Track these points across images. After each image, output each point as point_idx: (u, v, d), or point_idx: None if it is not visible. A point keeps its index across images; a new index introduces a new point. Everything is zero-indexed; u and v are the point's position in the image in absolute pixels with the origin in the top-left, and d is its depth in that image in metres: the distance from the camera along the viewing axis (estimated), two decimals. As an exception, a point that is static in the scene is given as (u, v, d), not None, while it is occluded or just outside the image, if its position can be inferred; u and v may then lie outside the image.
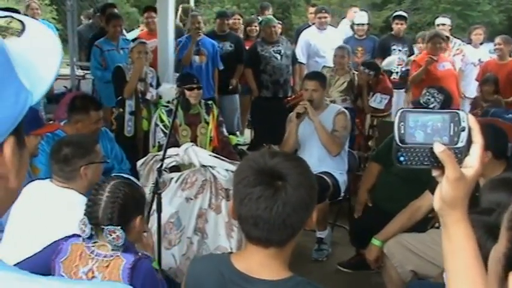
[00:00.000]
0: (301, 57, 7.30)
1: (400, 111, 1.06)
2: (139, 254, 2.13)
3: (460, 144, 1.04)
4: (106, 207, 2.07)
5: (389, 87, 6.40)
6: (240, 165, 1.58)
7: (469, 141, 1.03)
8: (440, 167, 1.02)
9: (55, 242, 2.11)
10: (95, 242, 2.09)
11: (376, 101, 6.01)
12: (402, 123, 1.05)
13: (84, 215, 2.09)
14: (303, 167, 1.52)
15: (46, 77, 0.76)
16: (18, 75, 0.72)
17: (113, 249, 2.05)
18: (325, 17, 7.48)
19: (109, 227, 2.04)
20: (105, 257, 2.05)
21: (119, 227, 2.04)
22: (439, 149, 1.01)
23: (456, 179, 1.01)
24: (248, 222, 1.46)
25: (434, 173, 1.06)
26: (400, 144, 1.05)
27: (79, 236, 2.10)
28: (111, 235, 2.03)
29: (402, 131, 1.05)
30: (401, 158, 1.05)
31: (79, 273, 2.04)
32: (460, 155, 1.03)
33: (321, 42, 7.16)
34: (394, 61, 6.97)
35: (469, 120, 1.03)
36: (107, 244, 2.06)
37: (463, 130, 1.04)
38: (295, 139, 4.50)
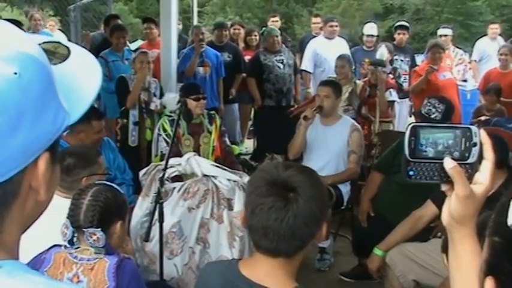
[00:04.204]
0: (308, 66, 7.31)
1: (411, 125, 1.06)
2: (122, 255, 2.16)
3: (470, 160, 1.03)
4: (87, 210, 2.12)
5: (394, 83, 6.47)
6: (253, 176, 1.60)
7: (480, 157, 1.02)
8: (450, 182, 1.01)
9: (37, 255, 2.13)
10: (77, 248, 2.12)
11: (393, 95, 6.14)
12: (413, 138, 1.04)
13: (67, 218, 2.14)
14: (315, 180, 1.52)
15: (84, 100, 0.81)
16: (58, 96, 0.77)
17: (95, 252, 2.09)
18: (336, 26, 7.52)
19: (89, 229, 2.08)
20: (88, 260, 2.08)
21: (99, 229, 2.07)
22: (449, 165, 1.00)
23: (465, 197, 1.00)
24: (258, 232, 1.48)
25: (444, 187, 1.05)
26: (410, 158, 1.04)
27: (60, 245, 2.13)
28: (91, 237, 2.08)
29: (413, 146, 1.04)
30: (411, 173, 1.05)
31: (64, 279, 2.06)
32: (471, 170, 1.02)
33: (328, 51, 7.13)
34: (385, 52, 6.95)
35: (481, 136, 1.02)
36: (89, 248, 2.10)
37: (475, 145, 1.03)
38: (303, 142, 4.53)
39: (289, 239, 1.45)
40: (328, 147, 4.53)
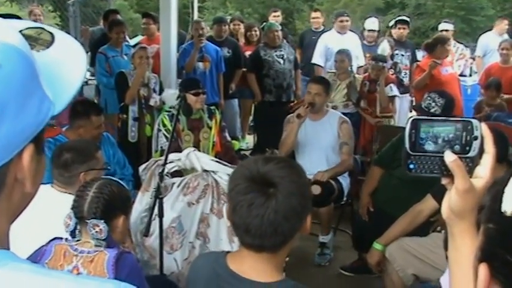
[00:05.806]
0: (319, 60, 7.23)
1: (412, 119, 1.05)
2: (122, 249, 2.18)
3: (471, 154, 1.02)
4: (92, 202, 2.14)
5: (395, 78, 6.50)
6: (234, 172, 1.59)
7: (481, 151, 1.02)
8: (450, 176, 1.01)
9: (39, 247, 2.14)
10: (78, 241, 2.13)
11: (394, 90, 6.17)
12: (413, 131, 1.04)
13: (71, 209, 2.16)
14: (296, 175, 1.51)
15: (69, 88, 0.79)
16: (42, 86, 0.75)
17: (96, 245, 2.10)
18: (346, 21, 7.40)
19: (93, 220, 2.10)
20: (88, 252, 2.09)
21: (102, 221, 2.08)
22: (450, 158, 0.99)
23: (465, 191, 0.99)
24: (240, 229, 1.48)
25: (444, 181, 1.04)
26: (410, 152, 1.04)
27: (61, 238, 2.14)
28: (94, 228, 2.09)
29: (413, 139, 1.04)
30: (412, 166, 1.05)
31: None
32: (471, 164, 1.02)
33: (339, 46, 6.86)
34: (387, 47, 6.96)
35: (482, 130, 1.02)
36: (90, 241, 2.11)
37: (476, 139, 1.02)
38: (294, 139, 4.53)
39: (271, 235, 1.45)
40: (320, 141, 4.56)
